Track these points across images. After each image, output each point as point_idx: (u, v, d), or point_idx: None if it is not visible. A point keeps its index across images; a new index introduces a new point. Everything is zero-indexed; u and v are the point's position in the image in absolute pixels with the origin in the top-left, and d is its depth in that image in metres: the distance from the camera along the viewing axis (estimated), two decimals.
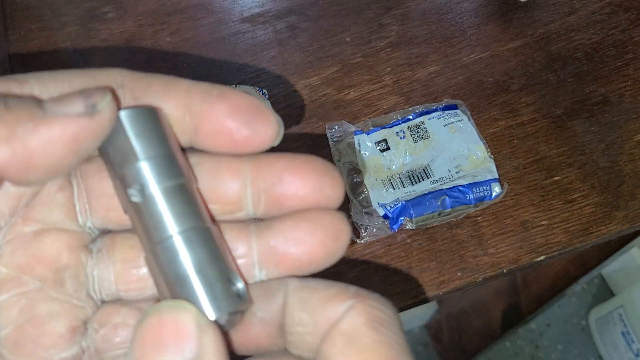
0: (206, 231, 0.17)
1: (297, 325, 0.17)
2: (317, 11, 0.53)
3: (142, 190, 0.17)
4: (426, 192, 0.43)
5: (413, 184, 0.44)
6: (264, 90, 0.47)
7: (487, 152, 0.45)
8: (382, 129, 0.46)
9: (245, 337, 0.18)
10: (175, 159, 0.17)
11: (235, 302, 0.17)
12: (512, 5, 0.54)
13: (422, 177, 0.44)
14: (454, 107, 0.47)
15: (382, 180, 0.44)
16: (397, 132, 0.46)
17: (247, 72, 0.50)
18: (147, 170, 0.17)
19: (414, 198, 0.43)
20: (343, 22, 0.53)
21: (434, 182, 0.44)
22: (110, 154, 0.17)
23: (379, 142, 0.45)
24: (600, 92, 0.50)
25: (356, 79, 0.50)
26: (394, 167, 0.45)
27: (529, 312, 1.05)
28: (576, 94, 0.50)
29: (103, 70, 0.18)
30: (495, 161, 0.45)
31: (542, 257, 0.43)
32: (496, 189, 0.44)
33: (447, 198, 0.43)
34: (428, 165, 0.45)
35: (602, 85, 0.50)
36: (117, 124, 0.17)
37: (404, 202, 0.42)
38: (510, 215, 0.44)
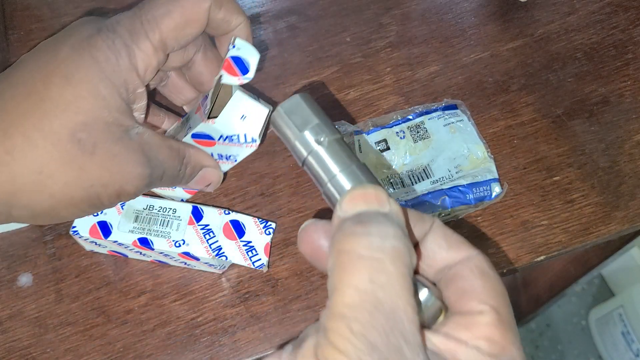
0: (365, 166, 0.26)
1: (435, 247, 0.25)
2: (317, 11, 0.53)
3: (324, 139, 0.26)
4: (426, 192, 0.43)
5: (413, 184, 0.44)
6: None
7: (487, 152, 0.45)
8: (382, 129, 0.46)
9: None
10: (331, 124, 0.27)
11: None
12: (512, 5, 0.54)
13: (422, 177, 0.44)
14: (454, 107, 0.47)
15: (382, 180, 0.44)
16: (397, 132, 0.46)
17: None
18: (323, 128, 0.27)
19: (414, 198, 0.43)
20: (343, 22, 0.53)
21: (434, 182, 0.44)
22: (293, 121, 0.27)
23: (379, 142, 0.45)
24: (600, 92, 0.50)
25: (356, 79, 0.50)
26: (394, 167, 0.45)
27: (529, 312, 1.05)
28: (576, 93, 0.50)
29: None
30: (495, 161, 0.45)
31: (542, 257, 0.43)
32: (496, 189, 0.44)
33: (447, 198, 0.43)
34: (428, 165, 0.45)
35: (602, 85, 0.50)
36: (296, 103, 0.28)
37: (403, 202, 0.42)
38: (510, 215, 0.44)
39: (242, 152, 0.38)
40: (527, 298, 1.05)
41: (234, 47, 0.35)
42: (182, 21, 0.32)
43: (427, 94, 0.49)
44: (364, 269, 0.21)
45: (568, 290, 0.94)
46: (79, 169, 0.30)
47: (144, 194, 0.42)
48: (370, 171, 0.26)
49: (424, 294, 0.24)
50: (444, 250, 0.25)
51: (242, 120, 0.36)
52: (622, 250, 0.80)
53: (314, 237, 0.25)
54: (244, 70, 0.35)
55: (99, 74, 0.30)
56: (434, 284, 0.25)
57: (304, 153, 0.26)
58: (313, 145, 0.26)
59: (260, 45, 0.51)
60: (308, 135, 0.27)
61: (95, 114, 0.30)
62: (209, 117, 0.36)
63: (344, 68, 0.50)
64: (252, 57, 0.35)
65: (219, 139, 0.37)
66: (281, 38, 0.52)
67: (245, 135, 0.37)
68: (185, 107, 0.42)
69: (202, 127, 0.36)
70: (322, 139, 0.26)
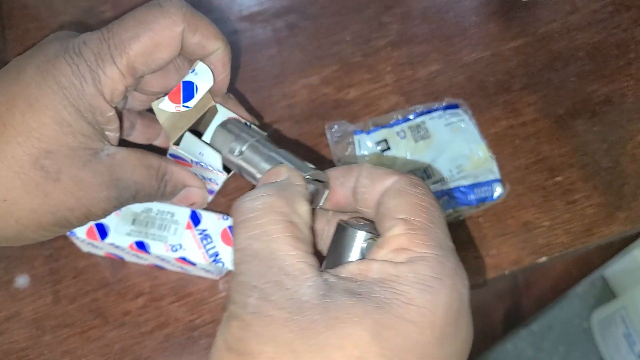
0: (284, 151, 0.32)
1: (362, 187, 0.28)
2: (317, 10, 0.53)
3: (246, 146, 0.33)
4: None
5: None
6: None
7: (489, 152, 0.45)
8: (383, 128, 0.45)
9: (332, 197, 0.30)
10: (247, 131, 0.34)
11: (310, 169, 0.30)
12: (513, 4, 0.54)
13: (423, 177, 0.44)
14: (455, 106, 0.47)
15: None
16: (397, 132, 0.45)
17: (246, 70, 0.50)
18: (238, 141, 0.33)
19: None
20: (343, 21, 0.52)
21: (435, 183, 0.43)
22: (220, 138, 0.34)
23: (380, 142, 0.45)
24: (603, 91, 0.49)
25: (356, 78, 0.49)
26: (394, 167, 0.44)
27: (531, 314, 1.05)
28: (578, 93, 0.49)
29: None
30: (497, 161, 0.45)
31: (544, 258, 0.43)
32: (498, 190, 0.43)
33: (448, 199, 0.42)
34: (429, 165, 0.44)
35: (604, 85, 0.50)
36: (216, 136, 0.35)
37: None
38: (512, 216, 0.44)
39: (218, 178, 0.36)
40: (529, 299, 1.04)
41: (193, 71, 0.34)
42: (151, 45, 0.31)
43: (428, 94, 0.49)
44: (241, 231, 0.25)
45: (570, 292, 0.93)
46: (44, 196, 0.30)
47: None
48: (289, 153, 0.32)
49: (355, 235, 0.27)
50: (370, 188, 0.28)
51: (201, 155, 0.35)
52: (625, 252, 0.80)
53: None
54: (189, 96, 0.34)
55: (63, 100, 0.30)
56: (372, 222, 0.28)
57: (236, 169, 0.33)
58: (235, 160, 0.33)
59: (259, 44, 0.51)
60: (229, 156, 0.33)
61: (59, 141, 0.30)
62: (173, 143, 0.35)
63: (344, 67, 0.50)
64: (203, 84, 0.34)
65: (192, 162, 0.35)
66: (281, 37, 0.51)
67: (210, 165, 0.35)
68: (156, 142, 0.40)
69: (172, 149, 0.35)
70: (240, 150, 0.33)
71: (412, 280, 0.23)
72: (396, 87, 0.49)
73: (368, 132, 0.45)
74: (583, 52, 0.51)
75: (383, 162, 0.44)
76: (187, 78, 0.34)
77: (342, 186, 0.29)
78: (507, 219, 0.44)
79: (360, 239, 0.27)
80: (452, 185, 0.43)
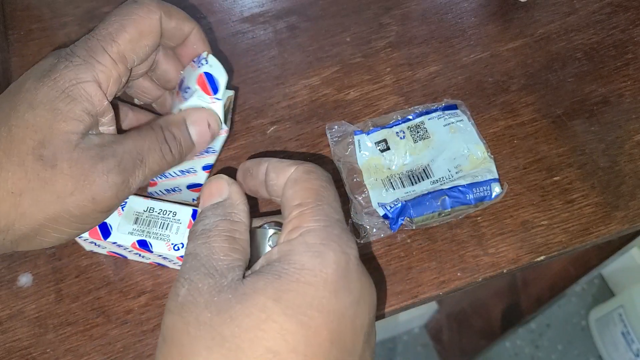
0: None
1: (270, 181, 0.32)
2: (317, 11, 0.53)
3: None
4: (426, 192, 0.43)
5: (413, 184, 0.44)
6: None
7: (487, 152, 0.45)
8: (382, 129, 0.46)
9: (248, 186, 0.35)
10: None
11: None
12: (512, 5, 0.54)
13: (422, 177, 0.44)
14: (454, 107, 0.47)
15: (382, 180, 0.44)
16: (397, 132, 0.46)
17: (247, 72, 0.50)
18: None
19: (414, 198, 0.43)
20: (343, 22, 0.53)
21: (434, 182, 0.44)
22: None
23: (379, 142, 0.45)
24: (600, 92, 0.50)
25: (356, 79, 0.50)
26: (394, 167, 0.45)
27: (529, 312, 1.05)
28: (576, 94, 0.50)
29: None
30: (495, 161, 0.45)
31: (542, 257, 0.43)
32: (496, 189, 0.44)
33: (447, 198, 0.43)
34: (428, 165, 0.45)
35: (602, 85, 0.50)
36: None
37: (404, 202, 0.42)
38: (510, 215, 0.44)
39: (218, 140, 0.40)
40: (527, 298, 1.05)
41: (207, 62, 0.36)
42: (137, 33, 0.34)
43: (427, 94, 0.49)
44: (191, 242, 0.30)
45: (568, 291, 0.94)
46: (44, 183, 0.31)
47: (145, 197, 0.42)
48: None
49: (263, 234, 0.32)
50: (276, 181, 0.32)
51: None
52: (622, 251, 0.80)
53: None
54: (215, 89, 0.37)
55: (57, 93, 0.32)
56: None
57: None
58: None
59: (260, 45, 0.51)
60: None
61: (52, 128, 0.31)
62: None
63: (344, 68, 0.50)
64: (221, 78, 0.37)
65: None
66: (281, 38, 0.52)
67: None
68: (154, 105, 0.43)
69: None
70: None
71: (302, 250, 0.28)
72: (396, 87, 0.49)
73: (368, 133, 0.45)
74: (581, 52, 0.52)
75: (383, 162, 0.45)
76: (205, 69, 0.37)
77: (254, 178, 0.34)
78: (505, 218, 0.44)
79: (266, 235, 0.32)
80: (450, 184, 0.43)
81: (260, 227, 0.33)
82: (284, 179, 0.31)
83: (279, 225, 0.33)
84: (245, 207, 0.32)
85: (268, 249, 0.32)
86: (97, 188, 0.32)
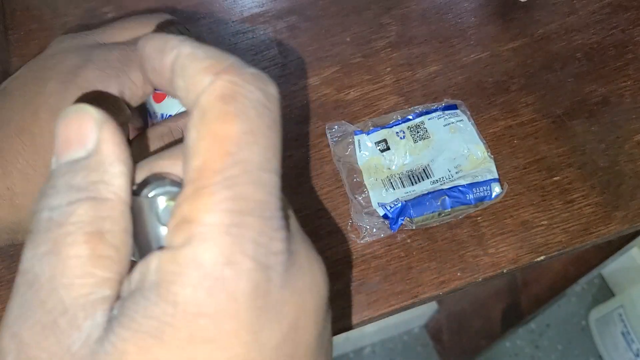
0: None
1: (178, 87, 0.19)
2: (317, 11, 0.53)
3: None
4: (426, 192, 0.43)
5: (413, 184, 0.44)
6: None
7: (487, 152, 0.45)
8: (382, 129, 0.46)
9: (149, 77, 0.21)
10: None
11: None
12: (512, 5, 0.54)
13: (422, 177, 0.44)
14: (454, 107, 0.47)
15: (382, 180, 0.44)
16: (397, 132, 0.46)
17: None
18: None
19: (414, 198, 0.43)
20: (343, 22, 0.53)
21: (434, 182, 0.44)
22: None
23: (379, 142, 0.45)
24: (600, 92, 0.50)
25: (356, 79, 0.50)
26: (394, 167, 0.45)
27: (529, 312, 1.05)
28: (576, 94, 0.50)
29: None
30: (495, 161, 0.45)
31: (542, 257, 0.43)
32: (496, 189, 0.44)
33: (447, 198, 0.43)
34: (428, 165, 0.45)
35: (602, 85, 0.50)
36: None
37: (404, 202, 0.42)
38: (510, 215, 0.44)
39: None
40: (527, 298, 1.05)
41: None
42: None
43: (427, 94, 0.49)
44: (28, 246, 0.18)
45: (568, 290, 0.94)
46: None
47: None
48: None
49: (145, 206, 0.19)
50: (185, 93, 0.19)
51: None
52: (622, 251, 0.80)
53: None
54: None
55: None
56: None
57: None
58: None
59: (260, 45, 0.51)
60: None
61: None
62: None
63: (344, 68, 0.50)
64: None
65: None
66: (281, 38, 0.52)
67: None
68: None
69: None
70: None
71: (195, 280, 0.16)
72: (396, 87, 0.49)
73: (368, 133, 0.46)
74: (581, 53, 0.52)
75: (383, 162, 0.45)
76: None
77: (157, 73, 0.20)
78: (505, 218, 0.44)
79: (154, 207, 0.19)
80: (450, 184, 0.43)
81: (142, 190, 0.19)
82: (194, 94, 0.18)
83: (174, 184, 0.19)
84: (124, 168, 0.19)
85: (159, 230, 0.19)
86: None
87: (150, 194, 0.19)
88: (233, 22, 0.52)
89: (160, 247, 0.18)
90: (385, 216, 0.42)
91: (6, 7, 0.52)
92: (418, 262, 0.43)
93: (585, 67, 0.51)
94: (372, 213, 0.43)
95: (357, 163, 0.45)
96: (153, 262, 0.17)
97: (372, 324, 0.42)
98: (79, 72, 0.32)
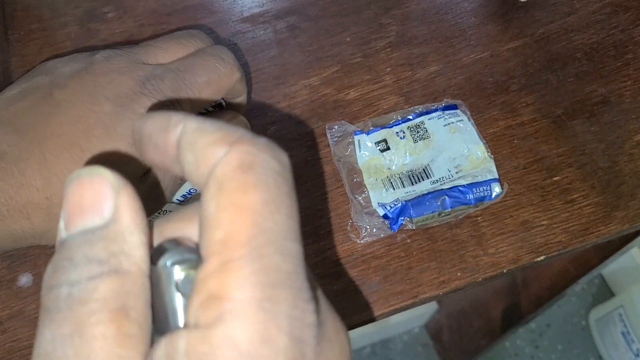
0: None
1: (186, 162, 0.18)
2: (317, 11, 0.53)
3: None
4: (426, 192, 0.43)
5: (413, 184, 0.44)
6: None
7: (487, 152, 0.45)
8: (382, 129, 0.46)
9: (150, 158, 0.20)
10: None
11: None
12: (511, 5, 0.54)
13: (422, 177, 0.44)
14: (454, 107, 0.47)
15: (382, 180, 0.44)
16: (397, 132, 0.46)
17: (247, 71, 0.50)
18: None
19: (414, 198, 0.43)
20: (343, 22, 0.53)
21: (434, 182, 0.44)
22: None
23: (379, 142, 0.45)
24: (600, 92, 0.50)
25: (356, 79, 0.50)
26: (394, 167, 0.45)
27: (529, 312, 1.05)
28: (576, 94, 0.50)
29: None
30: (495, 161, 0.45)
31: (542, 257, 0.43)
32: (496, 189, 0.44)
33: (447, 198, 0.43)
34: (428, 165, 0.45)
35: (602, 85, 0.50)
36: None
37: (404, 202, 0.42)
38: (510, 215, 0.44)
39: None
40: (527, 298, 1.05)
41: None
42: (217, 90, 0.36)
43: (427, 94, 0.49)
44: (46, 326, 0.17)
45: (568, 290, 0.94)
46: None
47: None
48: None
49: (162, 276, 0.18)
50: (195, 167, 0.18)
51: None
52: (622, 250, 0.80)
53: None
54: None
55: None
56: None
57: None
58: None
59: (260, 45, 0.51)
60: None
61: (128, 163, 0.33)
62: None
63: (344, 68, 0.50)
64: None
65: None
66: (281, 38, 0.52)
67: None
68: None
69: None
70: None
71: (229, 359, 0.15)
72: (395, 87, 0.49)
73: (368, 133, 0.46)
74: (581, 52, 0.52)
75: (383, 162, 0.45)
76: None
77: (159, 152, 0.19)
78: (505, 218, 0.44)
79: (172, 279, 0.18)
80: (450, 184, 0.43)
81: (157, 257, 0.18)
82: (206, 167, 0.18)
83: (190, 251, 0.18)
84: (144, 237, 0.18)
85: (177, 301, 0.18)
86: None
87: (168, 263, 0.18)
88: (233, 22, 0.52)
89: (174, 315, 0.18)
90: (385, 216, 0.42)
91: (6, 7, 0.52)
92: (418, 262, 0.43)
93: (585, 67, 0.51)
94: (372, 213, 0.43)
95: (357, 163, 0.45)
96: (181, 342, 0.16)
97: (372, 324, 0.42)
98: (134, 97, 0.33)
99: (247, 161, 0.17)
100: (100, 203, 0.17)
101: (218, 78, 0.35)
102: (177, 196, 0.40)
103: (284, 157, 0.18)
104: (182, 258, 0.18)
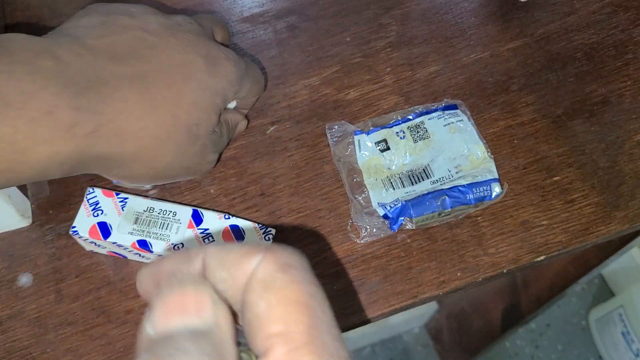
0: None
1: (218, 283, 0.20)
2: (317, 11, 0.53)
3: None
4: (426, 192, 0.43)
5: (413, 184, 0.44)
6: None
7: (487, 152, 0.45)
8: (382, 129, 0.46)
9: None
10: None
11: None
12: (511, 5, 0.54)
13: (422, 177, 0.44)
14: (454, 107, 0.47)
15: (382, 180, 0.44)
16: (397, 132, 0.46)
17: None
18: None
19: (414, 198, 0.43)
20: (343, 22, 0.53)
21: (434, 182, 0.44)
22: None
23: (379, 142, 0.45)
24: (600, 92, 0.50)
25: (356, 79, 0.50)
26: (394, 167, 0.45)
27: (529, 312, 1.05)
28: (576, 94, 0.50)
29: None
30: (495, 161, 0.45)
31: (542, 257, 0.43)
32: (496, 189, 0.44)
33: (447, 198, 0.43)
34: (428, 165, 0.45)
35: (602, 85, 0.50)
36: None
37: (404, 202, 0.42)
38: (510, 215, 0.44)
39: None
40: (527, 298, 1.05)
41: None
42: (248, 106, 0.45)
43: (427, 94, 0.49)
44: None
45: (568, 290, 0.94)
46: (182, 155, 0.38)
47: (145, 197, 0.42)
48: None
49: None
50: (230, 282, 0.20)
51: None
52: (622, 250, 0.80)
53: (145, 285, 0.22)
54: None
55: (221, 89, 0.38)
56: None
57: None
58: None
59: (260, 45, 0.51)
60: None
61: (208, 117, 0.38)
62: None
63: (344, 68, 0.50)
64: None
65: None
66: (281, 38, 0.52)
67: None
68: None
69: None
70: None
71: None
72: (395, 87, 0.49)
73: (368, 133, 0.46)
74: (581, 52, 0.52)
75: (383, 162, 0.45)
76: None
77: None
78: (505, 218, 0.44)
79: None
80: (450, 184, 0.43)
81: None
82: (242, 277, 0.20)
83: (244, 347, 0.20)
84: (236, 350, 0.20)
85: None
86: (203, 169, 0.42)
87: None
88: (233, 22, 0.52)
89: None
90: (385, 216, 0.42)
91: (6, 7, 0.52)
92: (418, 262, 0.43)
93: (585, 67, 0.51)
94: (372, 213, 0.43)
95: (357, 163, 0.45)
96: None
97: (372, 324, 0.42)
98: (221, 63, 0.38)
99: (284, 262, 0.20)
100: (203, 308, 0.19)
101: (255, 100, 0.44)
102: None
103: (305, 260, 0.21)
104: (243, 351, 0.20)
